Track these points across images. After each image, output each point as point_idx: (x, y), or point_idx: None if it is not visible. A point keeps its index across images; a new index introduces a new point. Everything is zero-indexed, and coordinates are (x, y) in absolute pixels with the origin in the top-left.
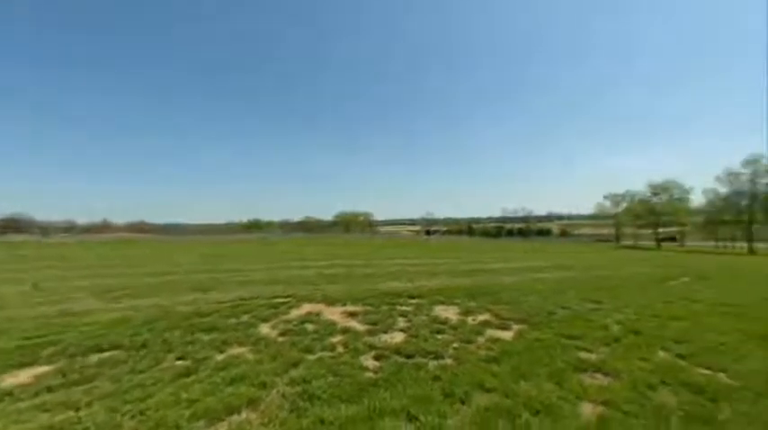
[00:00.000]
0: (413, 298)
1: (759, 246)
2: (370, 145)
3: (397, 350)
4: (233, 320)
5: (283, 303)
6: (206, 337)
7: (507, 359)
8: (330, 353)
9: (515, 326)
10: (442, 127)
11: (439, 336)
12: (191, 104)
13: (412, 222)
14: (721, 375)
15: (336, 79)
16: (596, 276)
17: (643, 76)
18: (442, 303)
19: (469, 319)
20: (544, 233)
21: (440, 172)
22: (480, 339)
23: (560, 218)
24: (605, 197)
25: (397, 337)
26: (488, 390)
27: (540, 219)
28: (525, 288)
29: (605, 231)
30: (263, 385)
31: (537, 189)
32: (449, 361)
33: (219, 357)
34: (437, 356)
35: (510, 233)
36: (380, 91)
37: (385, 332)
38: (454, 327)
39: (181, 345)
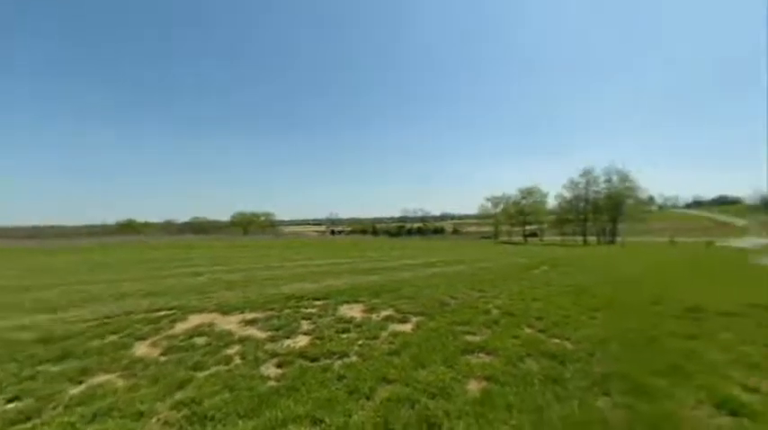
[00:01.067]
0: (318, 299)
1: (591, 238)
2: (273, 143)
3: (302, 354)
4: (96, 343)
5: (166, 316)
6: (55, 368)
7: (407, 350)
8: (225, 367)
9: (414, 319)
10: (349, 127)
11: (344, 336)
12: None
13: (317, 222)
14: (567, 343)
15: (230, 69)
16: (480, 268)
17: (529, 93)
18: (347, 302)
19: (374, 316)
20: (439, 231)
21: (345, 172)
22: (384, 334)
23: (453, 217)
24: (487, 199)
25: (302, 341)
26: (391, 382)
27: (435, 218)
28: (423, 282)
29: (487, 229)
30: (140, 415)
31: (433, 191)
32: (354, 358)
33: (75, 390)
34: (342, 355)
35: (409, 232)
36: (284, 87)
37: (288, 337)
38: (359, 325)
39: (14, 384)
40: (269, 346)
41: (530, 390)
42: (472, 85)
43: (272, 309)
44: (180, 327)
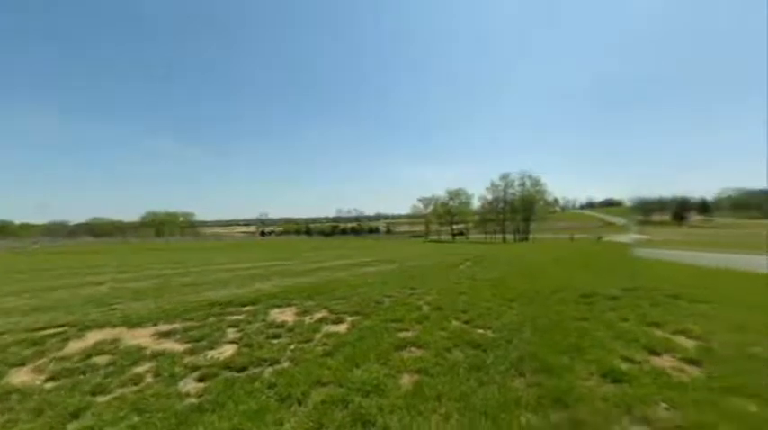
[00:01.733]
0: (245, 305)
1: (508, 236)
2: (200, 139)
3: (228, 364)
4: None
5: (55, 335)
6: None
7: (342, 350)
8: (134, 388)
9: (349, 319)
10: (281, 125)
11: (275, 341)
12: None
13: (246, 223)
14: (489, 332)
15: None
16: (412, 266)
17: (454, 98)
18: (279, 306)
19: (307, 319)
20: (373, 231)
21: (277, 171)
22: (318, 336)
23: (386, 217)
24: (419, 200)
25: (228, 351)
26: (325, 384)
27: (370, 218)
28: (358, 282)
29: (419, 228)
30: None
31: (367, 191)
32: (286, 364)
33: None
34: (273, 362)
35: (344, 232)
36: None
37: (212, 348)
38: (291, 329)
39: None
40: (188, 360)
41: (457, 379)
42: (401, 86)
43: (191, 319)
44: (74, 347)
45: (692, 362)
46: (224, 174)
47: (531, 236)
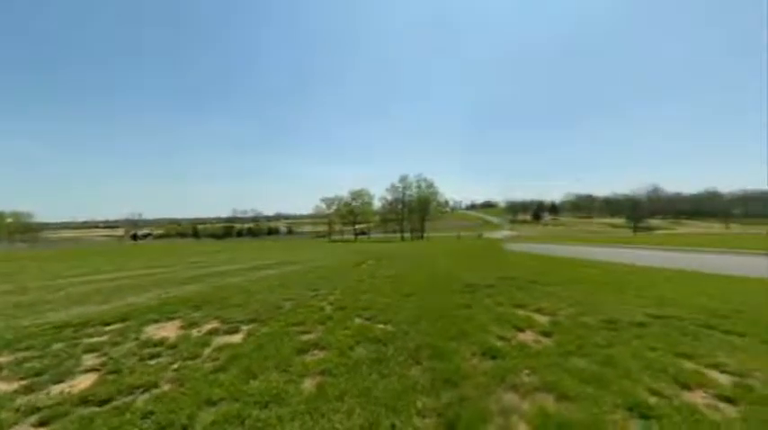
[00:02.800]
0: (110, 324)
1: (407, 235)
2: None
3: (84, 399)
4: None
5: None
6: None
7: (237, 362)
8: None
9: (245, 327)
10: (159, 114)
11: (152, 362)
12: None
13: (111, 225)
14: (389, 326)
15: None
16: (315, 267)
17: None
18: (157, 321)
19: (194, 332)
20: (274, 232)
21: (153, 167)
22: (207, 351)
23: (287, 217)
24: (322, 200)
25: (84, 382)
26: (215, 403)
27: (269, 218)
28: (255, 286)
29: (321, 228)
30: None
31: (266, 190)
32: (167, 387)
33: None
34: (149, 387)
35: (240, 233)
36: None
37: (60, 381)
38: (173, 346)
39: None
40: (24, 400)
41: (360, 375)
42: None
43: (29, 348)
44: None
45: (545, 334)
46: (76, 169)
47: (426, 234)
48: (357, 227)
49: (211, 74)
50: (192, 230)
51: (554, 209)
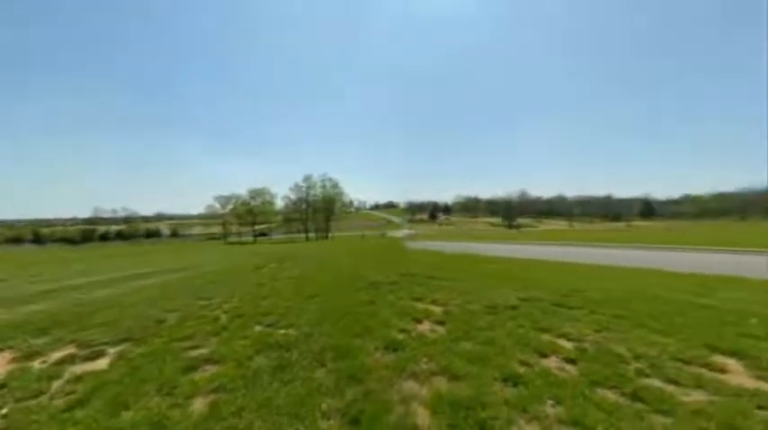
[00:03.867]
0: None
1: (311, 235)
2: None
3: None
4: None
5: None
6: None
7: (101, 393)
8: None
9: (113, 350)
10: None
11: None
12: None
13: None
14: (292, 330)
15: None
16: (206, 272)
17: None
18: None
19: (36, 364)
20: (153, 234)
21: None
22: (57, 384)
23: (171, 218)
24: (215, 199)
25: None
26: None
27: (147, 219)
28: (128, 300)
29: (215, 230)
30: None
31: (142, 188)
32: None
33: None
34: None
35: (105, 237)
36: None
37: None
38: (3, 386)
39: None
40: None
41: (259, 386)
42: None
43: None
44: None
45: (440, 322)
46: None
47: (331, 234)
48: (257, 227)
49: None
50: (32, 234)
51: (447, 209)
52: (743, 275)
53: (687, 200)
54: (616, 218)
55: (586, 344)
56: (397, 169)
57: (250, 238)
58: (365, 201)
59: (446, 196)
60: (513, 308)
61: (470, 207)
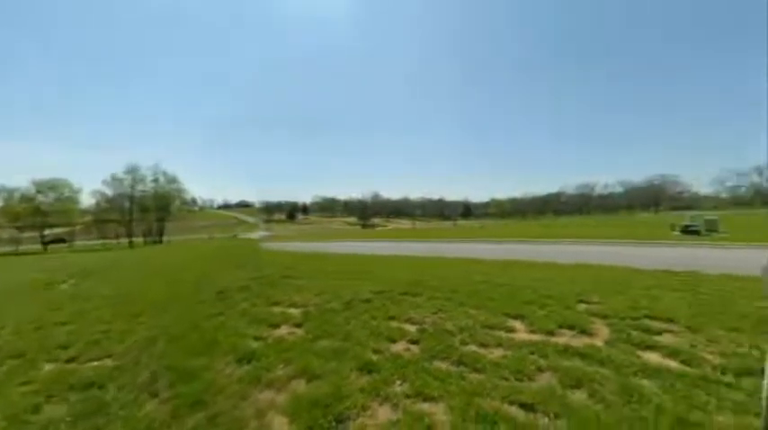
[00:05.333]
0: None
1: (138, 240)
2: None
3: None
4: None
5: None
6: None
7: None
8: None
9: None
10: None
11: None
12: None
13: None
14: (108, 360)
15: None
16: None
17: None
18: None
19: None
20: None
21: None
22: None
23: None
24: None
25: None
26: None
27: None
28: None
29: None
30: None
31: None
32: None
33: None
34: None
35: None
36: None
37: None
38: None
39: None
40: None
41: None
42: None
43: None
44: None
45: (298, 325)
46: None
47: (167, 237)
48: (50, 232)
49: None
50: None
51: (305, 209)
52: (531, 259)
53: (493, 203)
54: (446, 217)
55: (426, 326)
56: (252, 167)
57: (35, 247)
58: (213, 200)
59: (305, 196)
60: (368, 301)
61: (328, 207)
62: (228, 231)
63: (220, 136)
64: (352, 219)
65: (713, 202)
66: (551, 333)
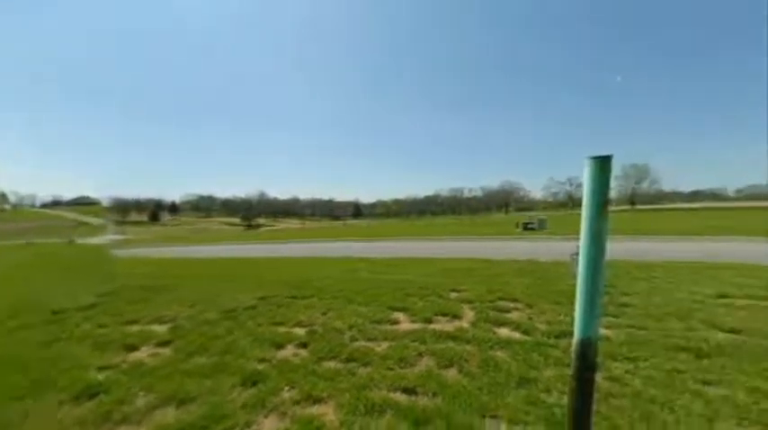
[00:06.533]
0: None
1: None
2: None
3: None
4: None
5: None
6: None
7: None
8: None
9: None
10: None
11: None
12: None
13: None
14: None
15: None
16: None
17: None
18: None
19: None
20: None
21: None
22: None
23: None
24: None
25: None
26: None
27: None
28: None
29: None
30: None
31: None
32: None
33: None
34: None
35: None
36: None
37: None
38: None
39: None
40: None
41: None
42: None
43: None
44: None
45: (164, 343)
46: None
47: None
48: None
49: None
50: None
51: (174, 208)
52: (412, 255)
53: (380, 204)
54: (336, 217)
55: (316, 327)
56: (102, 159)
57: None
58: (34, 196)
59: (172, 194)
60: (252, 308)
61: (204, 206)
62: (63, 236)
63: (46, 118)
64: (235, 220)
65: (543, 204)
66: (429, 321)
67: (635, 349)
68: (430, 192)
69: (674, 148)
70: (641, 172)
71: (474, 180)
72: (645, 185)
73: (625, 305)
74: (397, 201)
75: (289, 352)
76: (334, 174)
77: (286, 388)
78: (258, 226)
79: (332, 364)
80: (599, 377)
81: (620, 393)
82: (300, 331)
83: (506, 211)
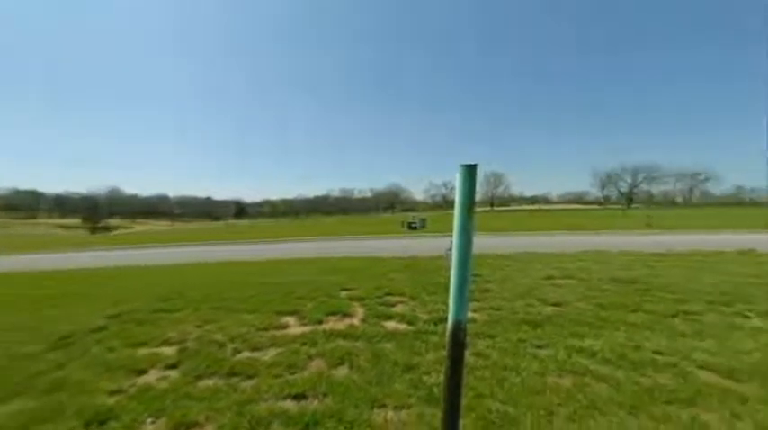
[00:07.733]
0: None
1: None
2: None
3: None
4: None
5: None
6: None
7: None
8: None
9: None
10: None
11: None
12: None
13: None
14: None
15: None
16: None
17: None
18: None
19: None
20: None
21: None
22: None
23: None
24: None
25: None
26: None
27: None
28: None
29: None
30: None
31: None
32: None
33: None
34: None
35: None
36: None
37: None
38: None
39: None
40: None
41: None
42: None
43: None
44: None
45: None
46: None
47: None
48: None
49: None
50: None
51: None
52: (304, 256)
53: (266, 203)
54: (216, 218)
55: (189, 343)
56: None
57: None
58: None
59: None
60: (100, 329)
61: (24, 205)
62: None
63: None
64: (74, 221)
65: (423, 206)
66: (320, 322)
67: (493, 327)
68: (321, 193)
69: (523, 159)
70: (498, 179)
71: (365, 181)
72: (500, 190)
73: (487, 290)
74: (285, 201)
75: (153, 376)
76: (213, 170)
77: (149, 419)
78: (107, 229)
79: (210, 383)
80: (468, 354)
81: (482, 365)
82: (169, 350)
83: (393, 211)
